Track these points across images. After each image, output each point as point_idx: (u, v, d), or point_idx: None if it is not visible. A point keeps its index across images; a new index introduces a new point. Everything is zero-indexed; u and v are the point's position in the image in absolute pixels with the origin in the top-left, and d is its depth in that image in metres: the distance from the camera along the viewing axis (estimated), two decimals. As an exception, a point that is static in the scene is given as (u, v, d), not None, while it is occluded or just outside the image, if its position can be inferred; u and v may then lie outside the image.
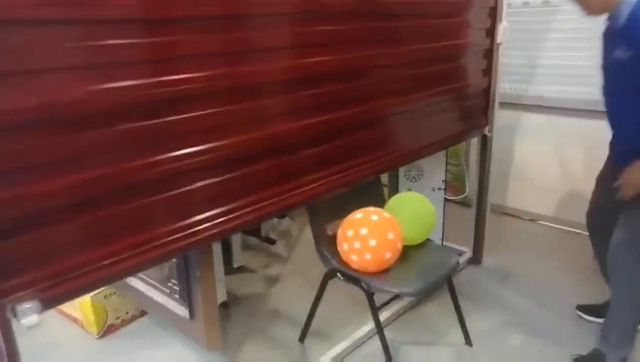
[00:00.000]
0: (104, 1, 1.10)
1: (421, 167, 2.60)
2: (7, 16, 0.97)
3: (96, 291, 2.18)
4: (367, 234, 1.79)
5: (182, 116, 1.29)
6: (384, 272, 1.87)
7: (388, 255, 1.80)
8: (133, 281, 2.05)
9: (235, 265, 2.71)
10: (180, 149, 1.31)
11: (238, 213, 1.49)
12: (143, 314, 2.35)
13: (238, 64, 1.39)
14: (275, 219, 3.31)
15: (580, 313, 2.31)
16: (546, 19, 2.99)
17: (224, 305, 2.37)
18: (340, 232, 1.88)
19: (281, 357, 2.09)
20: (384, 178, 2.42)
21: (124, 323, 2.30)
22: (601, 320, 2.23)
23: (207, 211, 1.41)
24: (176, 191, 1.33)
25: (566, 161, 3.13)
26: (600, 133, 2.04)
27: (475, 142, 3.15)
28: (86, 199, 1.16)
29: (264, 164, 1.53)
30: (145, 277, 2.00)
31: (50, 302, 1.13)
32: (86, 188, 1.15)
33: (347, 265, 1.86)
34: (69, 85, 1.08)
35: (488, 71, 2.44)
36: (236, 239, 2.63)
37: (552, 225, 3.26)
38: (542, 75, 3.09)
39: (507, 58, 2.85)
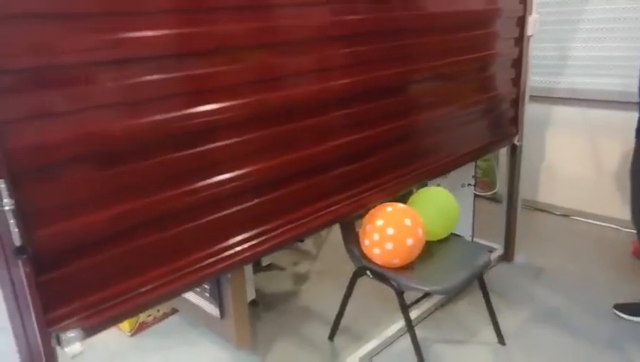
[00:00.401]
0: (137, 41, 1.14)
1: (450, 163, 2.56)
2: (49, 61, 1.02)
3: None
4: (384, 224, 1.79)
5: (215, 145, 1.33)
6: (413, 269, 1.85)
7: (410, 241, 1.78)
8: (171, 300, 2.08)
9: (264, 263, 2.72)
10: (214, 177, 1.35)
11: (271, 235, 1.52)
12: (174, 311, 2.38)
13: (267, 91, 1.42)
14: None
15: (617, 312, 2.24)
16: (576, 9, 2.91)
17: (253, 304, 2.38)
18: (360, 231, 1.88)
19: (311, 356, 2.09)
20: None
21: (156, 320, 2.33)
22: (638, 319, 2.17)
23: (240, 235, 1.45)
24: (210, 218, 1.37)
25: (599, 154, 3.04)
26: (634, 125, 1.98)
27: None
28: (126, 229, 1.21)
29: (295, 185, 1.56)
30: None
31: (92, 329, 1.17)
32: (126, 219, 1.19)
33: (375, 263, 1.85)
34: (106, 122, 1.12)
35: (517, 80, 2.41)
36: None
37: (585, 220, 3.17)
38: (573, 67, 3.01)
39: (538, 50, 2.80)
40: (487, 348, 2.08)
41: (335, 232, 3.09)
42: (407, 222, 1.81)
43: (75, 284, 1.14)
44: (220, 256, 1.40)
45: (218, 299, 1.84)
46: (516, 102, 2.45)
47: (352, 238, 1.94)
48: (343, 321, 2.13)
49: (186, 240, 1.33)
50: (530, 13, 2.30)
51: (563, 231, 3.08)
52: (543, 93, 3.13)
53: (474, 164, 2.57)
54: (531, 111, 2.53)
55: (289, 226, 1.56)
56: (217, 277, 1.80)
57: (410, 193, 2.14)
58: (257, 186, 1.46)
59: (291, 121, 1.49)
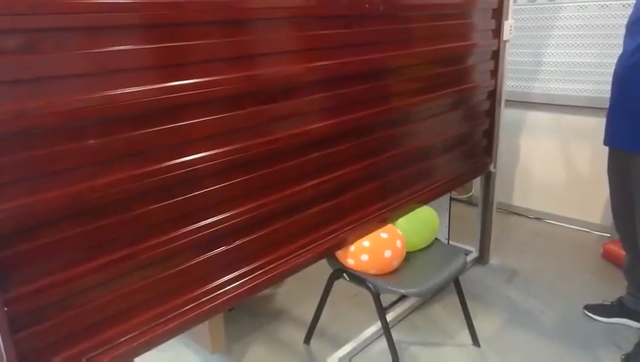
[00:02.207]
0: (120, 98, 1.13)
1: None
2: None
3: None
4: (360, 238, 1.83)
5: (195, 193, 1.34)
6: (390, 272, 1.85)
7: (388, 253, 1.79)
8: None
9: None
10: (195, 223, 1.36)
11: (253, 276, 1.53)
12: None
13: (248, 138, 1.42)
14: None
15: (587, 313, 2.28)
16: (551, 16, 2.96)
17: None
18: None
19: (287, 360, 2.07)
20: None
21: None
22: (609, 320, 2.21)
23: (222, 277, 1.46)
24: (192, 263, 1.37)
25: (572, 159, 3.10)
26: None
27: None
28: (109, 280, 1.20)
29: (275, 225, 1.57)
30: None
31: None
32: (108, 270, 1.20)
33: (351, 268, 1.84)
34: (87, 177, 1.13)
35: (491, 112, 2.46)
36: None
37: (558, 223, 3.23)
38: (548, 73, 3.06)
39: (513, 56, 2.84)
40: (462, 350, 2.09)
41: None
42: (384, 235, 1.83)
43: (52, 339, 1.13)
44: (202, 300, 1.40)
45: (192, 302, 1.81)
46: (490, 133, 2.50)
47: (328, 241, 1.93)
48: (319, 324, 2.12)
49: (168, 286, 1.33)
50: (507, 19, 2.33)
51: (536, 234, 3.12)
52: (518, 98, 3.18)
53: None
54: (506, 116, 2.56)
55: (271, 266, 1.57)
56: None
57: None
58: (238, 229, 1.47)
59: (270, 165, 1.51)
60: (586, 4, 2.81)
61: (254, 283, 1.51)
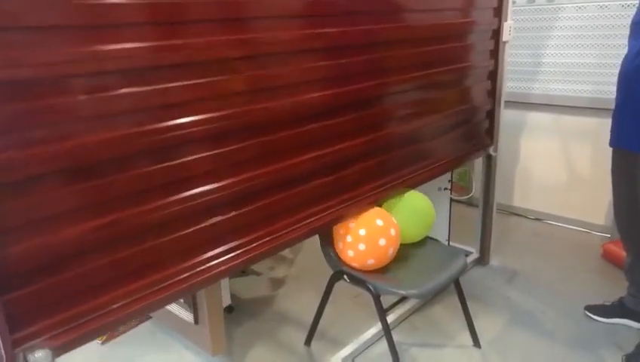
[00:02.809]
0: (112, 53, 1.11)
1: (426, 167, 2.58)
2: (18, 74, 0.98)
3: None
4: (356, 226, 1.81)
5: (190, 158, 1.31)
6: (390, 273, 1.85)
7: (382, 241, 1.79)
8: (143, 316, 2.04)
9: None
10: (189, 190, 1.32)
11: (248, 248, 1.50)
12: (147, 318, 2.33)
13: (247, 104, 1.40)
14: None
15: (588, 313, 2.28)
16: (551, 17, 2.97)
17: (229, 309, 2.34)
18: (334, 235, 1.89)
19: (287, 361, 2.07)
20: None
21: (128, 328, 2.28)
22: (609, 321, 2.21)
23: (217, 248, 1.43)
24: (186, 231, 1.34)
25: (572, 160, 3.10)
26: (606, 130, 2.02)
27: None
28: (96, 246, 1.17)
29: (272, 197, 1.54)
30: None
31: (62, 348, 1.13)
32: (96, 235, 1.16)
33: (351, 266, 1.84)
34: (79, 136, 1.09)
35: (493, 92, 2.43)
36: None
37: (558, 224, 3.22)
38: (547, 74, 3.06)
39: (513, 57, 2.84)
40: (463, 351, 2.09)
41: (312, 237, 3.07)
42: (379, 222, 1.82)
43: (44, 302, 1.10)
44: (196, 270, 1.37)
45: (192, 304, 1.81)
46: (492, 113, 2.48)
47: (329, 242, 1.93)
48: (320, 326, 2.12)
49: (161, 254, 1.30)
50: (506, 20, 2.33)
51: (537, 235, 3.12)
52: (518, 98, 3.18)
53: (450, 168, 2.59)
54: (506, 116, 2.56)
55: (267, 239, 1.54)
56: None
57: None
58: (234, 199, 1.43)
59: (268, 133, 1.48)
60: (585, 4, 2.81)
61: (249, 256, 1.49)
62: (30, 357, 1.08)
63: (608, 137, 2.02)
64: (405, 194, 2.10)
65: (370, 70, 1.75)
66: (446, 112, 2.17)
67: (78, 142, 1.09)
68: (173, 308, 1.90)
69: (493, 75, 2.41)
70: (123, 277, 1.23)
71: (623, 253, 2.19)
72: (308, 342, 2.15)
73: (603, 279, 2.58)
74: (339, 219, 1.78)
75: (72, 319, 1.15)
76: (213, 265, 1.41)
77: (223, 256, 1.44)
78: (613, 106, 1.99)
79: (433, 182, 2.58)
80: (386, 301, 2.08)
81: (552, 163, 3.18)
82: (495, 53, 2.37)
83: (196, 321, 1.82)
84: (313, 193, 1.67)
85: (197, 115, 1.29)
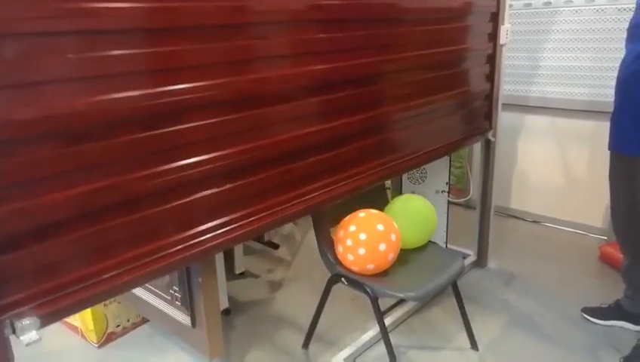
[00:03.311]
0: (106, 12, 1.08)
1: (424, 170, 2.58)
2: (7, 29, 0.96)
3: (97, 299, 2.15)
4: (356, 230, 1.80)
5: (184, 126, 1.28)
6: (388, 276, 1.85)
7: (382, 246, 1.78)
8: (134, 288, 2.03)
9: (238, 271, 2.68)
10: (184, 159, 1.30)
11: (243, 223, 1.47)
12: (144, 321, 2.32)
13: (242, 73, 1.38)
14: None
15: (585, 315, 2.28)
16: (547, 20, 2.98)
17: (226, 312, 2.34)
18: (334, 238, 1.88)
19: (285, 364, 2.07)
20: (387, 181, 2.40)
21: (125, 331, 2.27)
22: (607, 323, 2.21)
23: (210, 221, 1.39)
24: (179, 202, 1.31)
25: (570, 162, 3.11)
26: (603, 133, 2.02)
27: (478, 145, 3.13)
28: (87, 212, 1.14)
29: (268, 172, 1.51)
30: (146, 285, 1.97)
31: (50, 317, 1.11)
32: (87, 200, 1.13)
33: (350, 270, 1.84)
34: (68, 97, 1.06)
35: (491, 76, 2.42)
36: (238, 244, 2.60)
37: (556, 226, 3.23)
38: (544, 77, 3.07)
39: (510, 60, 2.85)
40: (460, 353, 2.09)
41: (310, 238, 3.07)
42: (380, 227, 1.81)
43: (32, 269, 1.07)
44: (190, 243, 1.34)
45: (189, 307, 1.80)
46: (490, 98, 2.46)
47: (327, 245, 1.93)
48: (318, 329, 2.11)
49: (153, 225, 1.26)
50: (503, 23, 2.34)
51: (534, 238, 3.13)
52: (516, 101, 3.18)
53: (448, 170, 2.59)
54: (504, 119, 2.57)
55: (262, 214, 1.51)
56: (189, 285, 1.76)
57: (387, 201, 2.14)
58: (229, 171, 1.40)
59: (265, 105, 1.45)
60: (582, 8, 2.83)
61: (245, 230, 1.46)
62: (17, 324, 1.05)
63: (605, 140, 2.02)
64: (408, 199, 2.10)
65: (372, 46, 1.73)
66: (445, 93, 2.15)
67: (68, 104, 1.06)
68: (170, 310, 1.89)
69: (492, 59, 2.39)
70: (114, 246, 1.20)
71: (620, 256, 2.20)
72: (306, 344, 2.14)
73: (600, 281, 2.58)
74: (336, 197, 1.75)
75: (61, 287, 1.12)
76: (207, 238, 1.38)
77: (218, 229, 1.41)
78: (610, 109, 1.99)
79: (431, 184, 2.59)
80: (384, 303, 2.08)
81: (549, 165, 3.18)
82: (493, 36, 2.36)
83: (193, 324, 1.81)
84: (310, 170, 1.65)
85: (191, 82, 1.26)
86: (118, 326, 2.23)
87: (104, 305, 2.17)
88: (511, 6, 2.65)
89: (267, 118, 1.48)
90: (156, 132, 1.23)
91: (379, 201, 2.11)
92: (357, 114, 1.76)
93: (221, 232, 1.42)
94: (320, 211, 1.95)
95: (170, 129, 1.25)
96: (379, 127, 1.87)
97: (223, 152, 1.38)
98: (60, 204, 1.09)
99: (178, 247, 1.32)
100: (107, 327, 2.19)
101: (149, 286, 1.97)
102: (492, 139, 2.52)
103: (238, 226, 1.46)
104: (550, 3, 2.94)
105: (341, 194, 1.77)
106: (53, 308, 1.11)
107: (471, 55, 2.26)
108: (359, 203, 1.96)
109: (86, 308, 1.23)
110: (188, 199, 1.33)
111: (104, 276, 1.19)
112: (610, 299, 2.27)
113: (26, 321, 1.06)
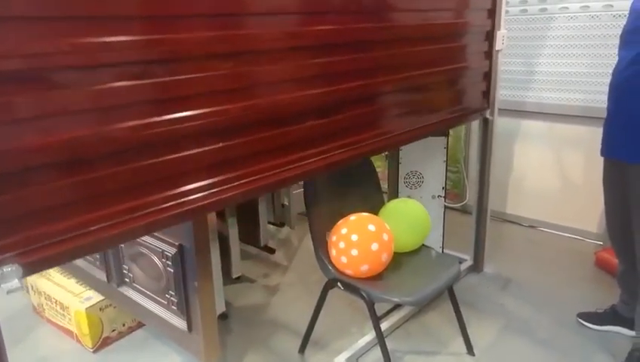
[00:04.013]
0: None
1: (420, 174, 2.58)
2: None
3: (92, 303, 2.14)
4: (348, 232, 1.81)
5: (178, 77, 1.24)
6: (384, 280, 1.85)
7: (375, 246, 1.79)
8: (130, 292, 2.02)
9: (234, 275, 2.67)
10: (177, 112, 1.26)
11: (235, 184, 1.42)
12: (139, 325, 2.31)
13: (239, 27, 1.35)
14: (274, 228, 3.29)
15: (581, 320, 2.28)
16: (543, 26, 2.99)
17: (223, 316, 2.33)
18: (328, 243, 1.89)
19: (281, 369, 2.06)
20: (384, 185, 2.40)
21: (121, 335, 2.26)
22: (602, 328, 2.21)
23: (201, 180, 1.35)
24: (170, 157, 1.27)
25: (565, 167, 3.12)
26: (598, 139, 2.03)
27: (474, 148, 3.15)
28: (75, 159, 1.10)
29: (263, 133, 1.47)
30: (142, 288, 1.97)
31: (33, 266, 1.08)
32: (74, 147, 1.09)
33: (344, 273, 1.84)
34: (52, 38, 1.03)
35: (489, 54, 2.40)
36: (235, 248, 2.59)
37: (552, 231, 3.24)
38: (540, 82, 3.08)
39: (506, 65, 2.86)
40: (456, 358, 2.09)
41: (306, 243, 3.07)
42: (371, 227, 1.82)
43: (15, 215, 1.04)
44: (179, 201, 1.30)
45: (185, 311, 1.79)
46: (488, 76, 2.44)
47: (322, 250, 1.93)
48: (314, 334, 2.11)
49: (143, 179, 1.23)
50: (499, 29, 2.35)
51: (530, 242, 3.14)
52: (512, 107, 3.20)
53: (444, 175, 2.60)
54: (500, 124, 2.57)
55: (254, 177, 1.47)
56: (185, 289, 1.76)
57: (382, 204, 2.15)
58: (223, 129, 1.37)
59: (264, 62, 1.42)
60: (577, 14, 2.85)
61: (236, 192, 1.43)
62: None
63: (599, 144, 2.04)
64: (402, 202, 2.10)
65: (374, 11, 1.71)
66: (444, 67, 2.13)
67: (49, 43, 1.02)
68: (166, 314, 1.89)
69: (490, 36, 2.38)
70: (102, 198, 1.16)
71: (616, 261, 2.21)
72: (302, 349, 2.14)
73: (596, 286, 2.59)
74: (333, 165, 1.72)
75: (45, 237, 1.09)
76: (197, 198, 1.34)
77: (209, 189, 1.37)
78: (604, 115, 2.00)
79: (427, 189, 2.59)
80: (381, 308, 2.07)
81: (545, 170, 3.20)
82: (492, 12, 2.34)
83: (189, 328, 1.80)
84: (306, 134, 1.61)
85: (190, 32, 1.24)
86: (113, 330, 2.23)
87: (100, 309, 2.16)
88: (507, 12, 2.67)
89: (265, 77, 1.45)
90: (149, 81, 1.19)
91: (375, 206, 2.11)
92: (356, 80, 1.72)
93: (211, 193, 1.37)
94: (315, 215, 1.95)
95: (164, 79, 1.22)
96: (378, 95, 1.84)
97: (218, 108, 1.34)
98: (46, 148, 1.05)
99: (167, 204, 1.28)
100: (102, 332, 2.19)
101: (145, 291, 1.96)
102: (490, 117, 2.50)
103: (229, 188, 1.41)
104: (546, 9, 2.96)
105: (338, 162, 1.73)
106: (37, 257, 1.08)
107: (470, 30, 2.24)
108: (355, 207, 1.97)
109: (70, 260, 1.18)
110: (179, 155, 1.29)
111: (90, 228, 1.15)
112: (606, 304, 2.27)
113: (8, 268, 1.04)
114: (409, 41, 1.92)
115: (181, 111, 1.27)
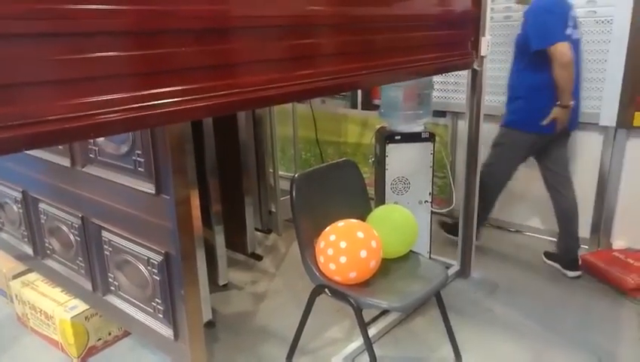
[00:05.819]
0: None
1: (407, 180, 2.59)
2: None
3: (77, 312, 2.12)
4: (337, 239, 1.81)
5: None
6: (372, 286, 1.85)
7: (363, 253, 1.79)
8: (116, 301, 2.01)
9: (221, 283, 2.66)
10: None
11: (211, 95, 1.32)
12: (125, 334, 2.29)
13: None
14: (261, 234, 3.28)
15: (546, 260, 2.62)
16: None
17: (209, 324, 2.31)
18: (316, 250, 1.88)
19: (269, 377, 2.05)
20: (370, 191, 2.40)
21: (107, 344, 2.23)
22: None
23: (175, 85, 1.25)
24: (144, 52, 1.18)
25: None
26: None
27: (461, 154, 3.16)
28: (35, 33, 1.00)
29: (246, 43, 1.38)
30: (128, 297, 1.95)
31: None
32: (42, 20, 0.99)
33: (333, 280, 1.84)
34: None
35: (478, 3, 2.36)
36: (222, 255, 2.59)
37: (537, 236, 3.27)
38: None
39: (490, 71, 2.88)
40: (445, 364, 2.09)
41: (293, 250, 3.06)
42: (360, 234, 1.82)
43: None
44: (149, 103, 1.19)
45: (172, 320, 1.78)
46: (477, 24, 2.40)
47: (310, 256, 1.92)
48: (301, 340, 2.10)
49: (108, 70, 1.12)
50: (484, 35, 2.37)
51: (517, 247, 3.16)
52: (496, 112, 3.22)
53: (431, 181, 2.61)
54: (485, 130, 2.60)
55: (233, 90, 1.37)
56: (171, 297, 1.74)
57: (369, 210, 2.15)
58: (202, 31, 1.27)
59: None
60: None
61: (212, 102, 1.33)
62: None
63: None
64: (389, 208, 2.11)
65: None
66: (432, 11, 2.11)
67: None
68: (152, 323, 1.87)
69: None
70: (62, 85, 1.06)
71: (600, 264, 2.24)
72: (290, 356, 2.13)
73: (582, 289, 2.61)
74: (312, 91, 1.66)
75: (3, 118, 0.98)
76: (170, 103, 1.23)
77: (183, 95, 1.26)
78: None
79: (414, 195, 2.60)
80: (368, 314, 2.08)
81: (532, 175, 3.22)
82: None
83: (176, 337, 1.79)
84: (288, 54, 1.53)
85: None
86: (99, 339, 2.20)
87: (85, 318, 2.13)
88: (492, 18, 2.69)
89: None
90: None
91: (362, 212, 2.11)
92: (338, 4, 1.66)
93: (186, 99, 1.27)
94: (302, 222, 1.95)
95: None
96: (362, 26, 1.77)
97: (199, 7, 1.26)
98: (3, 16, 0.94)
99: (135, 105, 1.17)
100: (88, 341, 2.16)
101: (131, 299, 1.94)
102: (478, 68, 2.49)
103: (207, 97, 1.31)
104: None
105: (319, 89, 1.66)
106: None
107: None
108: (342, 214, 1.97)
109: (29, 148, 1.08)
110: (154, 51, 1.20)
111: (49, 117, 1.04)
112: (591, 305, 2.29)
113: None
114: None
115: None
